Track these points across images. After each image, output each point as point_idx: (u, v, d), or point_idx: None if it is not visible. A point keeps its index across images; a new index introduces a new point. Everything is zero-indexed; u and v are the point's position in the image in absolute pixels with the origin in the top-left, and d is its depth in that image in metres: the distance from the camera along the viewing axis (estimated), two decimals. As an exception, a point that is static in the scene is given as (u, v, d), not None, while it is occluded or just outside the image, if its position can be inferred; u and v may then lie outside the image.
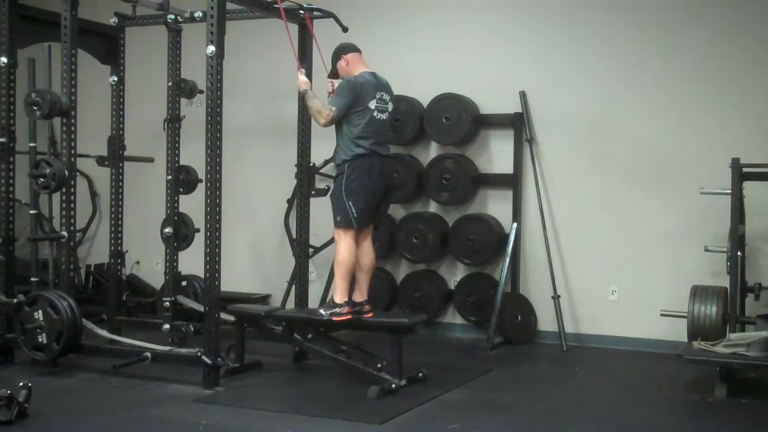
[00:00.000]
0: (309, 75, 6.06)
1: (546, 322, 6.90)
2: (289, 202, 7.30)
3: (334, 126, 5.48)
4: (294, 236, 6.59)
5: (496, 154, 7.13)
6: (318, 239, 7.01)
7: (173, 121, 6.41)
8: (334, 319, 5.41)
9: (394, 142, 7.11)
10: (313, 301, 6.84)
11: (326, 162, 7.25)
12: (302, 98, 5.68)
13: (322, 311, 5.51)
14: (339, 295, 5.42)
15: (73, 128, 5.67)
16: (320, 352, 5.65)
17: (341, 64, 5.57)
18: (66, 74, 5.64)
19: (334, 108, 5.35)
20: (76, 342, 5.53)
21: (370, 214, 5.52)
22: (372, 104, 5.38)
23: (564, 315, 6.77)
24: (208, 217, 5.29)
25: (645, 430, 4.77)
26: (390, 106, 5.54)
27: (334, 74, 5.63)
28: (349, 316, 5.40)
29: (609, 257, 6.81)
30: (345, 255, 5.38)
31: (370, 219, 5.55)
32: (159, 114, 6.55)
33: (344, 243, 5.40)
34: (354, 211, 5.34)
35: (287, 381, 5.68)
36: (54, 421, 4.61)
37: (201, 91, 6.03)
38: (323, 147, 6.88)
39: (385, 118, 5.47)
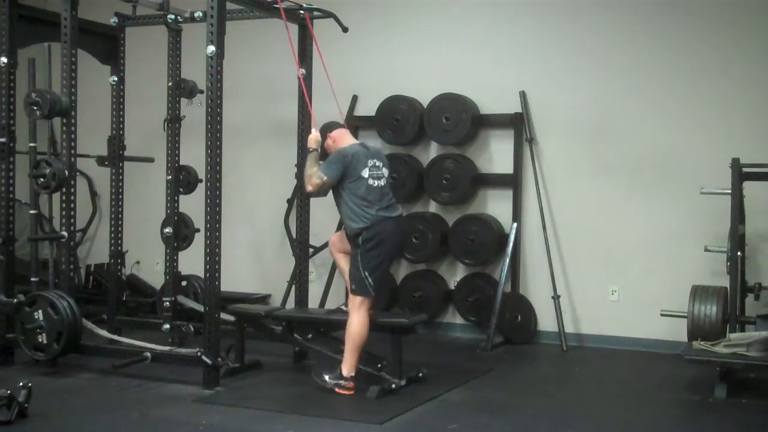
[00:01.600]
0: (308, 75, 6.05)
1: (546, 322, 6.91)
2: (289, 202, 7.30)
3: (335, 199, 5.42)
4: (294, 236, 6.59)
5: (496, 154, 7.13)
6: (318, 239, 7.00)
7: (173, 121, 6.41)
8: (336, 389, 5.25)
9: (396, 142, 7.15)
10: (313, 301, 6.85)
11: (326, 162, 7.26)
12: (306, 155, 5.45)
13: (327, 378, 5.32)
14: (347, 368, 5.25)
15: (73, 128, 5.67)
16: (320, 352, 5.65)
17: (328, 143, 5.48)
18: (66, 74, 5.64)
19: (325, 177, 5.25)
20: (76, 342, 5.53)
21: (384, 277, 5.53)
22: (365, 173, 5.29)
23: (564, 315, 6.77)
24: (208, 217, 5.29)
25: (645, 430, 4.77)
26: (385, 172, 5.42)
27: (323, 155, 5.49)
28: (352, 392, 5.24)
29: (609, 257, 6.81)
30: (358, 329, 5.24)
31: (383, 280, 5.56)
32: (159, 114, 6.55)
33: (359, 316, 5.26)
34: (371, 281, 5.26)
35: (287, 381, 5.67)
36: (54, 421, 4.61)
37: (201, 91, 6.03)
38: (323, 147, 6.89)
39: (382, 184, 5.37)
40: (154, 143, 7.18)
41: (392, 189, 5.59)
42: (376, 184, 5.33)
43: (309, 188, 5.34)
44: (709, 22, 6.56)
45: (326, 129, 5.54)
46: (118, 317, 6.60)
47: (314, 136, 5.43)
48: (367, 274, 5.24)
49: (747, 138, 6.37)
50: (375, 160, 5.38)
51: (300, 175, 6.07)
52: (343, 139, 5.48)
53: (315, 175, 5.28)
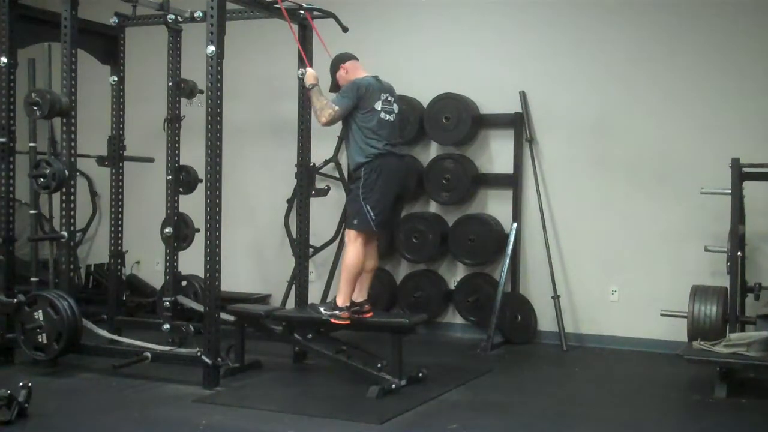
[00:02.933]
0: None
1: (546, 322, 6.91)
2: (289, 202, 7.30)
3: (343, 131, 5.46)
4: (294, 236, 6.59)
5: (496, 154, 7.13)
6: (318, 239, 7.01)
7: (173, 121, 6.41)
8: (332, 320, 5.41)
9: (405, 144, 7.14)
10: (313, 301, 6.83)
11: (326, 162, 7.27)
12: (308, 93, 5.54)
13: (322, 309, 5.51)
14: (342, 299, 5.40)
15: (73, 128, 5.67)
16: (320, 352, 5.65)
17: (341, 74, 5.52)
18: (66, 74, 5.64)
19: (337, 107, 5.30)
20: (76, 342, 5.53)
21: (388, 216, 5.49)
22: (378, 105, 5.35)
23: (564, 315, 6.77)
24: (208, 217, 5.29)
25: (645, 430, 4.77)
26: (395, 108, 5.50)
27: (334, 86, 5.55)
28: (348, 322, 5.39)
29: (609, 257, 6.81)
30: (353, 260, 5.35)
31: (387, 222, 5.54)
32: (159, 114, 6.55)
33: (354, 247, 5.36)
34: (372, 214, 5.30)
35: (287, 381, 5.68)
36: (54, 421, 4.61)
37: (201, 91, 6.03)
38: (323, 147, 6.91)
39: (392, 119, 5.44)
40: (154, 143, 7.18)
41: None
42: (387, 118, 5.38)
43: (322, 120, 5.35)
44: (709, 22, 6.56)
45: (339, 60, 5.56)
46: (118, 317, 6.59)
47: (311, 72, 5.50)
48: (369, 207, 5.29)
49: (747, 138, 6.36)
50: (387, 95, 5.44)
51: (304, 145, 6.10)
52: (357, 70, 5.52)
53: (327, 107, 5.31)
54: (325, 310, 5.48)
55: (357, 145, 5.35)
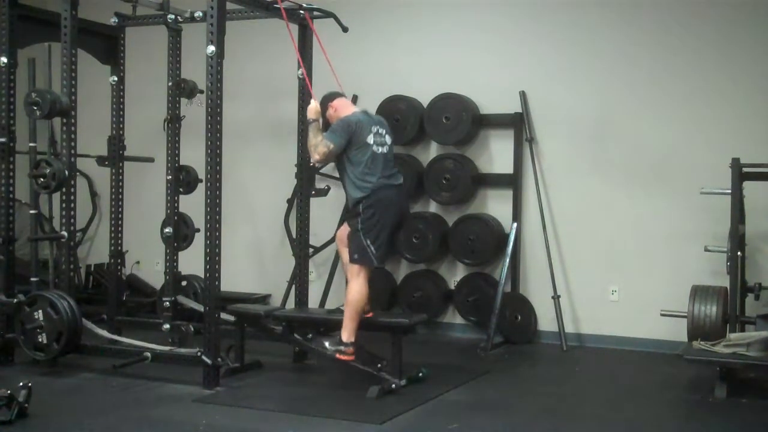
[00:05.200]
0: (309, 74, 6.05)
1: (546, 322, 6.91)
2: (289, 202, 7.30)
3: (337, 168, 5.45)
4: (294, 236, 6.59)
5: (496, 154, 7.13)
6: (318, 239, 7.01)
7: (173, 121, 6.41)
8: (337, 356, 5.35)
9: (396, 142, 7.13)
10: (313, 301, 6.85)
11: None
12: (307, 127, 5.49)
13: (327, 344, 5.42)
14: (347, 334, 5.34)
15: (73, 128, 5.67)
16: (320, 352, 5.65)
17: (329, 112, 5.51)
18: (66, 74, 5.64)
19: (332, 146, 5.26)
20: (76, 342, 5.53)
21: (387, 250, 5.50)
22: (370, 139, 5.32)
23: (564, 315, 6.77)
24: (208, 217, 5.29)
25: (645, 430, 4.77)
26: (388, 140, 5.46)
27: (324, 126, 5.50)
28: (352, 358, 5.33)
29: (609, 257, 6.81)
30: (357, 296, 5.31)
31: (387, 254, 5.54)
32: (159, 114, 6.55)
33: (358, 283, 5.33)
34: (373, 249, 5.29)
35: (287, 381, 5.68)
36: (54, 421, 4.61)
37: (201, 91, 6.03)
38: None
39: (385, 151, 5.41)
40: (154, 143, 7.18)
41: (394, 158, 5.59)
42: (380, 150, 5.38)
43: (316, 157, 5.35)
44: (709, 22, 6.56)
45: (327, 99, 5.57)
46: (118, 317, 6.59)
47: (314, 106, 5.46)
48: (369, 242, 5.27)
49: (747, 138, 6.36)
50: (378, 127, 5.43)
51: (303, 145, 6.05)
52: (345, 108, 5.53)
53: (321, 144, 5.29)
54: (329, 345, 5.40)
55: (352, 181, 5.33)
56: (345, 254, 5.60)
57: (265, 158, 7.75)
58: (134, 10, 6.15)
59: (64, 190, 5.65)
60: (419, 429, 4.66)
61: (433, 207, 7.29)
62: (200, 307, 6.20)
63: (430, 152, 7.30)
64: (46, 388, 5.12)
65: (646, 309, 6.58)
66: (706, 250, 6.17)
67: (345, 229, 5.64)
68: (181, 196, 6.50)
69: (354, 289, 5.33)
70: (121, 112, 6.58)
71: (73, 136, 5.68)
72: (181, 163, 6.49)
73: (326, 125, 5.50)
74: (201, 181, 5.99)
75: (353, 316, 5.32)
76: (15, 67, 5.81)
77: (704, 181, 6.19)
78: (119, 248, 6.65)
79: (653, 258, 6.68)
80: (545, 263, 6.87)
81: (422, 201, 7.31)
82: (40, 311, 5.45)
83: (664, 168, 6.67)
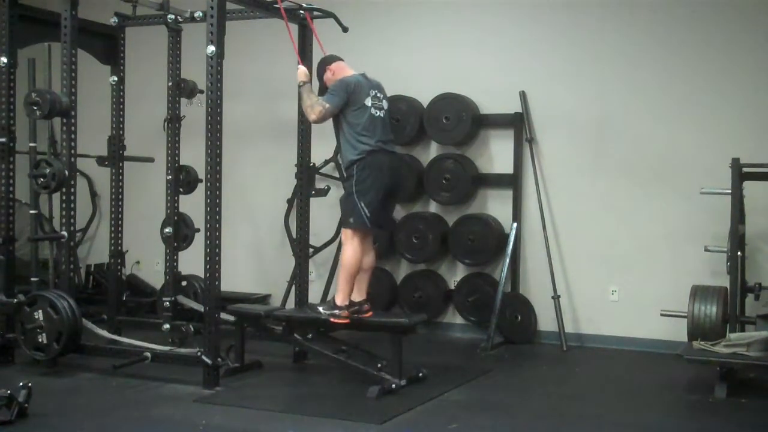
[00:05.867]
0: (309, 74, 6.04)
1: (546, 322, 6.90)
2: (289, 202, 7.30)
3: (334, 129, 5.48)
4: (294, 236, 6.59)
5: (496, 154, 7.13)
6: (318, 239, 7.01)
7: (173, 121, 6.41)
8: (331, 319, 5.43)
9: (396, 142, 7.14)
10: (313, 301, 6.82)
11: (326, 162, 7.27)
12: (299, 90, 5.55)
13: (321, 309, 5.54)
14: (341, 298, 5.43)
15: (73, 128, 5.67)
16: (320, 352, 5.65)
17: (327, 75, 5.57)
18: (66, 74, 5.64)
19: (327, 105, 5.33)
20: (76, 342, 5.53)
21: (382, 214, 5.50)
22: (368, 101, 5.39)
23: (564, 315, 6.76)
24: (208, 217, 5.29)
25: (645, 430, 4.76)
26: (385, 104, 5.53)
27: (322, 89, 5.57)
28: (347, 321, 5.42)
29: (609, 257, 6.81)
30: (352, 259, 5.38)
31: (381, 219, 5.54)
32: (159, 114, 6.55)
33: (352, 246, 5.39)
34: (367, 211, 5.33)
35: (287, 381, 5.68)
36: (54, 421, 4.61)
37: (201, 91, 6.03)
38: (323, 147, 6.90)
39: (382, 115, 5.47)
40: (154, 143, 7.18)
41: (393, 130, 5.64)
42: (377, 114, 5.42)
43: (312, 117, 5.39)
44: (709, 22, 6.56)
45: (325, 62, 5.61)
46: (118, 317, 6.59)
47: (302, 69, 5.54)
48: (363, 204, 5.32)
49: (747, 138, 6.37)
50: (376, 91, 5.48)
51: (304, 145, 6.15)
52: (343, 70, 5.56)
53: (317, 104, 5.34)
54: (324, 309, 5.51)
55: (348, 142, 5.39)
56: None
57: (265, 158, 7.75)
58: (134, 10, 6.15)
59: (64, 190, 5.64)
60: (419, 429, 4.65)
61: (433, 207, 7.29)
62: (200, 307, 6.20)
63: (430, 152, 7.30)
64: (46, 388, 5.12)
65: (646, 309, 6.58)
66: (706, 250, 6.17)
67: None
68: (181, 196, 6.50)
69: (348, 252, 5.40)
70: (121, 112, 6.58)
71: (73, 136, 5.68)
72: (181, 163, 6.49)
73: (324, 89, 5.54)
74: (201, 181, 5.99)
75: (348, 279, 5.40)
76: (15, 67, 5.81)
77: (704, 181, 6.19)
78: (119, 248, 6.65)
79: (653, 258, 6.68)
80: (545, 263, 6.87)
81: (422, 201, 7.31)
82: (40, 311, 5.45)
83: (664, 168, 6.66)
